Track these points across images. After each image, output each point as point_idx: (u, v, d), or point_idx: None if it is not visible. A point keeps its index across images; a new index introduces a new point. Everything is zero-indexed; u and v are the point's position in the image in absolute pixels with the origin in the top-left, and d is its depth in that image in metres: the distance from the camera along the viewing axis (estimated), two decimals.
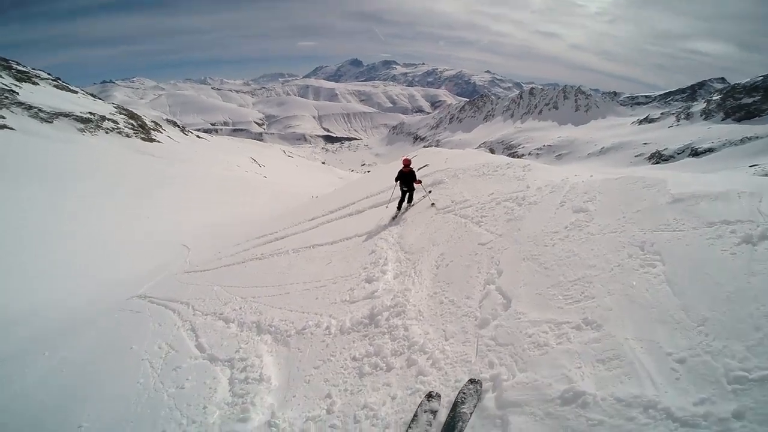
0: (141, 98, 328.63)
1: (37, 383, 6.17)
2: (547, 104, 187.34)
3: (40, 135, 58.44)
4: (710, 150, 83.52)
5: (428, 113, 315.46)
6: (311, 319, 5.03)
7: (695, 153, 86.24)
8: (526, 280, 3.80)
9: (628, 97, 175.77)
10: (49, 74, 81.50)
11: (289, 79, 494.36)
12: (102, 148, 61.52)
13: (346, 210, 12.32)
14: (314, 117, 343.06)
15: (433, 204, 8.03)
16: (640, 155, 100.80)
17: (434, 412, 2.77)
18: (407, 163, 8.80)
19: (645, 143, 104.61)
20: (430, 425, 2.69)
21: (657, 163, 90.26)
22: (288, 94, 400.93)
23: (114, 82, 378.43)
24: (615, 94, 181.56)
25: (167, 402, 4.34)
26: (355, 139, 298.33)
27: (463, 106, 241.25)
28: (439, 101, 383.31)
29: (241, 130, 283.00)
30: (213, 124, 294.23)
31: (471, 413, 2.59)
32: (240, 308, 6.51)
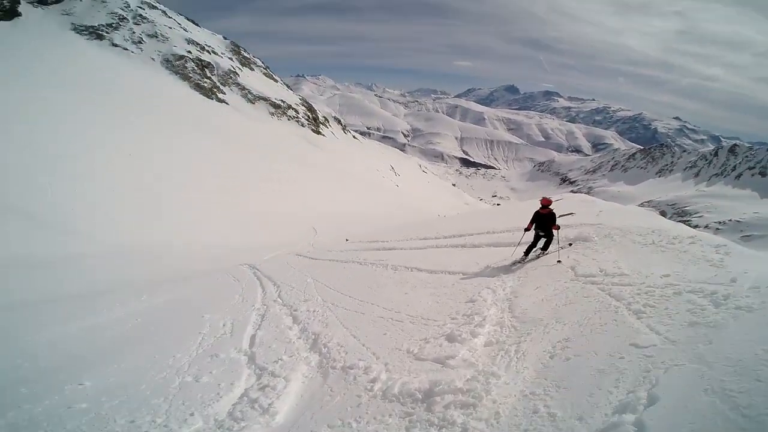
0: (321, 94, 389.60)
1: (104, 326, 6.71)
2: (751, 168, 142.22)
3: (243, 113, 74.61)
4: None
5: (587, 155, 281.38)
6: (365, 358, 4.24)
7: None
8: (701, 427, 2.28)
9: None
10: (262, 62, 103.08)
11: (441, 96, 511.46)
12: (281, 132, 74.72)
13: (460, 239, 11.27)
14: (456, 138, 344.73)
15: (559, 261, 6.56)
16: None
17: None
18: (546, 203, 7.42)
19: None
20: None
21: None
22: (437, 111, 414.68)
23: (305, 77, 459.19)
24: None
25: (171, 391, 4.08)
26: (493, 167, 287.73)
27: (634, 154, 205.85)
28: (604, 144, 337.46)
29: (389, 137, 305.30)
30: (368, 128, 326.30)
31: None
32: (314, 311, 6.19)
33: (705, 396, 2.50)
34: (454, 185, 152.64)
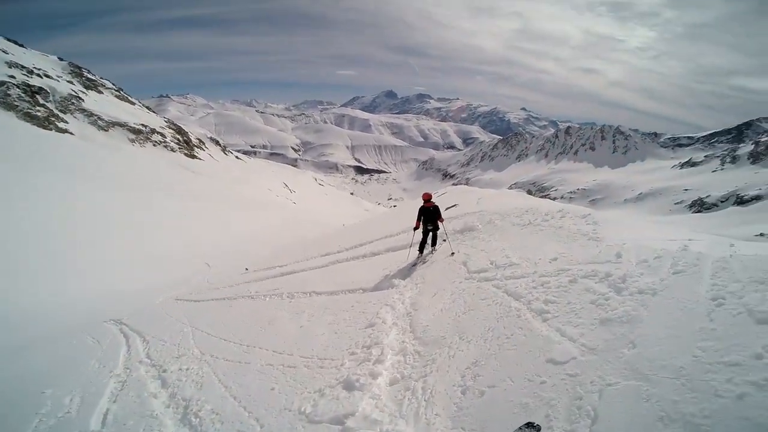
0: (192, 115, 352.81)
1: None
2: (583, 144, 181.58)
3: (95, 142, 62.64)
4: (757, 198, 75.04)
5: (460, 150, 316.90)
6: (245, 428, 3.40)
7: (741, 201, 77.93)
8: None
9: (669, 138, 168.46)
10: (113, 84, 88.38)
11: (327, 107, 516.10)
12: (146, 160, 64.94)
13: (360, 250, 10.97)
14: (347, 147, 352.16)
15: (453, 253, 6.83)
16: (680, 203, 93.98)
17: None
18: (427, 198, 7.79)
19: (686, 189, 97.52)
20: None
21: (698, 211, 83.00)
22: (325, 122, 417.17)
23: (170, 97, 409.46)
24: (656, 135, 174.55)
25: None
26: (385, 172, 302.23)
27: (496, 144, 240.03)
28: (472, 138, 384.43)
29: (278, 154, 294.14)
30: (253, 146, 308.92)
31: None
32: (187, 369, 5.07)
33: (665, 428, 2.03)
34: (352, 194, 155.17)
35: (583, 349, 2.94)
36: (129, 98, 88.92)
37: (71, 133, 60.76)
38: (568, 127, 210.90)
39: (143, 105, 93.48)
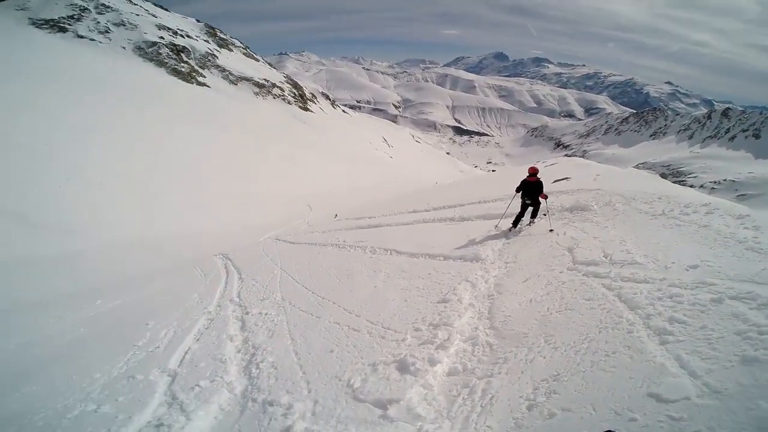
0: (306, 71, 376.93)
1: (45, 339, 6.17)
2: (744, 130, 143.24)
3: (227, 94, 71.87)
4: None
5: (580, 120, 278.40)
6: (294, 390, 3.31)
7: None
8: None
9: None
10: (241, 43, 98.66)
11: (430, 66, 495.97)
12: (267, 110, 72.41)
13: (450, 212, 10.44)
14: (447, 107, 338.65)
15: (552, 230, 6.18)
16: None
17: None
18: (534, 172, 7.14)
19: None
20: None
21: None
22: (426, 81, 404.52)
23: (288, 54, 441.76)
24: None
25: (63, 423, 3.35)
26: (487, 135, 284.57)
27: (627, 118, 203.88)
28: (597, 108, 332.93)
29: (380, 110, 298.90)
30: (358, 101, 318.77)
31: None
32: (266, 314, 5.29)
33: None
34: (448, 153, 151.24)
35: (704, 390, 2.15)
36: (254, 55, 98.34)
37: (208, 86, 70.51)
38: (727, 109, 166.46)
39: (266, 62, 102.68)
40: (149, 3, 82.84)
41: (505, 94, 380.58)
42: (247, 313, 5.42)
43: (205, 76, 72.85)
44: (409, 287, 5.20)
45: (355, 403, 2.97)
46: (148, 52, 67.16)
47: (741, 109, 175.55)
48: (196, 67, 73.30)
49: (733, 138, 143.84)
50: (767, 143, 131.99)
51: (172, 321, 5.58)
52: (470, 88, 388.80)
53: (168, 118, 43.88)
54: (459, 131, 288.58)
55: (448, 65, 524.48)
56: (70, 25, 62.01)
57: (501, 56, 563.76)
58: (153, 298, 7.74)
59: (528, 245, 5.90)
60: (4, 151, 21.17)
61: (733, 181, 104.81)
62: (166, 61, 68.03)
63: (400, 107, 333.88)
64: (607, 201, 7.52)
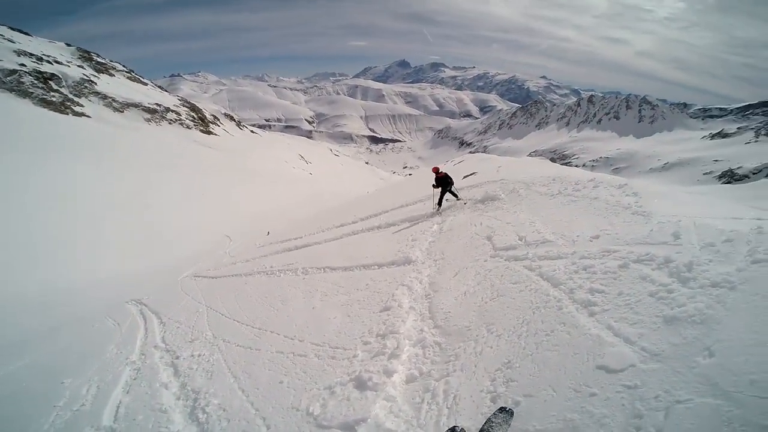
0: (204, 92, 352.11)
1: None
2: (607, 113, 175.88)
3: (112, 123, 63.46)
4: None
5: (477, 118, 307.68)
6: (251, 429, 3.11)
7: None
8: None
9: (699, 109, 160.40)
10: (124, 66, 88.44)
11: (340, 78, 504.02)
12: (163, 138, 65.63)
13: (376, 220, 10.59)
14: (361, 117, 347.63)
15: (462, 200, 7.95)
16: (709, 173, 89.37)
17: None
18: (436, 170, 9.13)
19: (716, 160, 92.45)
20: None
21: (728, 182, 78.60)
22: (338, 93, 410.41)
23: (181, 76, 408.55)
24: (685, 105, 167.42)
25: None
26: (399, 141, 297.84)
27: (515, 112, 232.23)
28: (489, 106, 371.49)
29: (293, 126, 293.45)
30: (267, 120, 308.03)
31: None
32: (199, 355, 4.87)
33: None
34: (367, 163, 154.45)
35: (644, 355, 2.34)
36: (141, 79, 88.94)
37: (88, 116, 61.67)
38: (591, 96, 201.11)
39: (156, 85, 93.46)
40: (4, 27, 69.63)
41: (410, 100, 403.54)
42: (177, 358, 4.96)
43: (83, 105, 63.37)
44: (349, 301, 5.13)
45: (320, 430, 2.82)
46: (5, 81, 56.21)
47: (602, 95, 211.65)
48: (71, 96, 63.45)
49: (599, 121, 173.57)
50: (626, 123, 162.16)
51: (92, 375, 5.02)
52: (380, 96, 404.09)
53: (45, 157, 37.08)
54: (374, 140, 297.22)
55: (357, 76, 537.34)
56: None
57: (404, 64, 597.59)
58: (63, 353, 6.86)
59: (451, 240, 6.21)
60: None
61: (607, 157, 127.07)
62: (30, 90, 57.67)
63: (313, 122, 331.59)
64: (511, 189, 8.33)
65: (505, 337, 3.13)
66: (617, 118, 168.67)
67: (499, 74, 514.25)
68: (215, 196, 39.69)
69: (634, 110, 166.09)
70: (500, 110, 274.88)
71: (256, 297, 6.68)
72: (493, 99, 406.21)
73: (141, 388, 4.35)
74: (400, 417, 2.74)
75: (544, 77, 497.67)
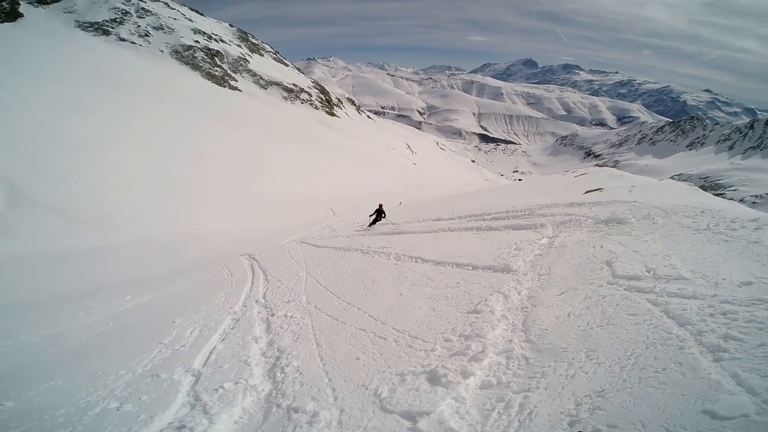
0: (333, 76, 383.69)
1: (71, 332, 6.23)
2: None
3: (257, 98, 74.08)
4: None
5: (612, 128, 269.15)
6: (319, 396, 3.21)
7: None
8: None
9: None
10: (272, 48, 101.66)
11: (456, 72, 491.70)
12: (295, 115, 74.12)
13: (476, 221, 10.27)
14: (474, 113, 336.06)
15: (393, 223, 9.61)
16: None
17: None
18: (379, 207, 14.11)
19: None
20: None
21: None
22: (452, 87, 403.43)
23: (316, 60, 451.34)
24: None
25: (84, 420, 3.32)
26: (513, 143, 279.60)
27: (662, 127, 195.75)
28: (630, 117, 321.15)
29: (404, 116, 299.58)
30: (382, 107, 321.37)
31: None
32: (291, 317, 5.21)
33: None
34: (473, 161, 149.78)
35: (764, 408, 2.04)
36: (284, 60, 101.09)
37: (240, 90, 72.96)
38: None
39: (295, 67, 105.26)
40: (186, 8, 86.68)
41: (533, 102, 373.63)
42: (272, 315, 5.40)
43: (237, 80, 75.41)
44: (436, 296, 5.08)
45: (382, 413, 2.87)
46: (184, 55, 70.20)
47: None
48: (229, 71, 76.00)
49: None
50: None
51: (199, 319, 5.60)
52: (497, 95, 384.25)
53: (202, 120, 45.65)
54: (485, 139, 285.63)
55: (474, 72, 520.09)
56: (113, 28, 65.79)
57: (530, 63, 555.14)
58: (181, 295, 7.83)
59: (562, 257, 5.66)
60: (48, 150, 22.38)
61: None
62: (201, 64, 70.93)
63: (424, 114, 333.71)
64: (645, 214, 7.19)
65: (605, 366, 2.81)
66: None
67: (648, 82, 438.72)
68: (328, 172, 43.44)
69: None
70: (644, 123, 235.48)
71: (351, 272, 7.07)
72: (636, 109, 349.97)
73: (235, 338, 4.78)
74: (465, 419, 2.64)
75: (708, 91, 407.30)
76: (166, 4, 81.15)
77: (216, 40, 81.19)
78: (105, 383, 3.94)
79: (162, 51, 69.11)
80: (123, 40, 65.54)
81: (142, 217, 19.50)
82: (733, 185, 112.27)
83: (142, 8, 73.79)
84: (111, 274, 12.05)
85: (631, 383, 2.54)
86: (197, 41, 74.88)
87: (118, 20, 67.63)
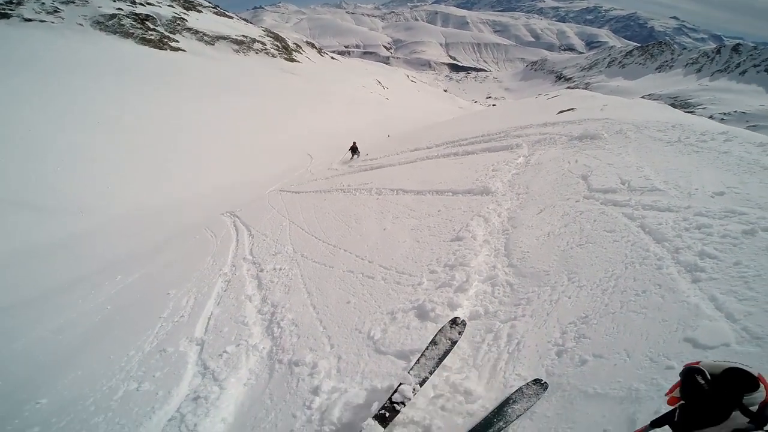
0: (286, 22, 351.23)
1: (73, 323, 6.21)
2: (756, 65, 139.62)
3: (205, 55, 67.67)
4: None
5: (581, 53, 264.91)
6: (317, 347, 3.24)
7: None
8: None
9: None
10: (209, 2, 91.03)
11: (419, 4, 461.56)
12: (251, 67, 68.72)
13: (452, 148, 10.17)
14: (441, 44, 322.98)
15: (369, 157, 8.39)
16: None
17: (454, 342, 2.54)
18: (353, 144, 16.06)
19: None
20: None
21: None
22: (416, 20, 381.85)
23: (263, 8, 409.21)
24: None
25: (111, 405, 3.38)
26: (484, 70, 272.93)
27: (631, 51, 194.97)
28: (598, 42, 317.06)
29: (371, 53, 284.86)
30: (346, 47, 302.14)
31: (519, 415, 2.05)
32: (280, 269, 5.16)
33: None
34: (445, 91, 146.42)
35: (744, 336, 1.99)
36: (226, 13, 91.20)
37: (184, 50, 66.11)
38: (738, 44, 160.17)
39: (241, 18, 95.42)
40: None
41: (500, 29, 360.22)
42: (261, 271, 5.34)
43: (178, 41, 68.03)
44: (419, 226, 5.07)
45: (377, 356, 2.89)
46: (108, 25, 61.89)
47: (753, 44, 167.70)
48: (166, 33, 68.25)
49: (743, 72, 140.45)
50: None
51: (191, 287, 5.54)
52: (463, 24, 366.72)
53: (151, 85, 41.78)
54: (455, 68, 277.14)
55: (437, 2, 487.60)
56: (11, 10, 56.50)
57: None
58: (170, 265, 7.72)
59: (539, 174, 5.67)
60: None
61: (744, 112, 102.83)
62: (131, 31, 63.08)
63: (391, 48, 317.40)
64: (617, 129, 7.24)
65: (587, 289, 2.81)
66: None
67: (615, 9, 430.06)
68: (299, 119, 41.72)
69: None
70: (612, 47, 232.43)
71: (333, 214, 6.97)
72: (603, 34, 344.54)
73: (229, 300, 4.72)
74: (457, 354, 2.62)
75: (675, 18, 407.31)
76: None
77: (141, 4, 71.53)
78: (120, 366, 3.96)
79: (81, 24, 60.24)
80: (29, 20, 56.32)
81: (112, 194, 18.51)
82: (702, 104, 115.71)
83: None
84: (98, 256, 11.63)
85: (613, 308, 2.53)
86: (119, 9, 65.66)
87: (14, 1, 57.66)
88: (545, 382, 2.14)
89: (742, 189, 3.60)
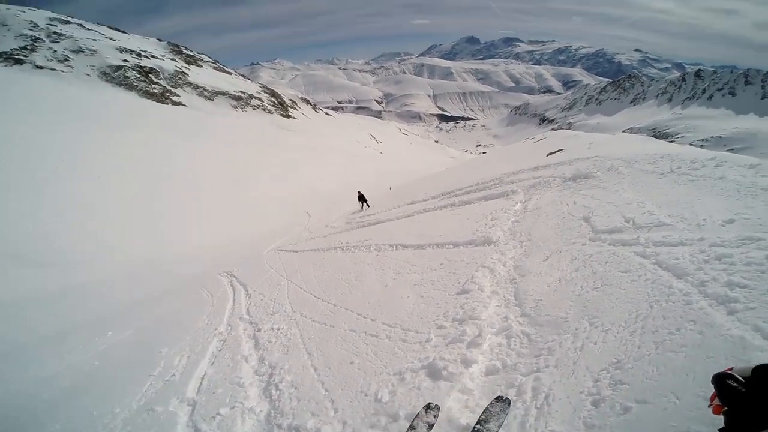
0: (281, 78, 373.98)
1: (59, 376, 5.99)
2: (720, 89, 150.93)
3: (204, 110, 70.73)
4: None
5: (560, 94, 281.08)
6: (319, 411, 3.02)
7: None
8: None
9: None
10: (210, 57, 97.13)
11: (405, 57, 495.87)
12: (250, 123, 71.54)
13: (449, 199, 10.25)
14: (429, 96, 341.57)
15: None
16: None
17: (431, 426, 2.36)
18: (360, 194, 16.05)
19: None
20: None
21: None
22: (404, 73, 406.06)
23: (260, 64, 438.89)
24: None
25: None
26: (471, 118, 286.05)
27: (605, 87, 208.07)
28: (574, 81, 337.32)
29: (363, 107, 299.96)
30: (339, 102, 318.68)
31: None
32: (278, 329, 4.97)
33: None
34: (437, 142, 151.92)
35: None
36: (225, 69, 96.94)
37: (184, 105, 69.28)
38: (699, 70, 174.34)
39: (239, 74, 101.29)
40: (104, 27, 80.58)
41: (482, 77, 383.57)
42: (258, 330, 5.14)
43: (179, 95, 71.42)
44: (422, 281, 4.91)
45: (387, 418, 2.68)
46: (114, 76, 65.38)
47: (712, 69, 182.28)
48: (169, 87, 71.81)
49: (710, 97, 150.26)
50: (745, 100, 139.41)
51: (185, 346, 5.33)
52: (448, 74, 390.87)
53: (152, 138, 43.25)
54: (444, 118, 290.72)
55: (422, 55, 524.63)
56: (25, 56, 60.16)
57: (472, 40, 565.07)
58: (162, 322, 7.53)
59: (539, 220, 5.63)
60: None
61: (720, 137, 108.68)
62: (135, 84, 66.47)
63: (382, 102, 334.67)
64: (608, 166, 7.36)
65: (613, 333, 2.63)
66: (733, 94, 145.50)
67: (584, 47, 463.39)
68: (295, 176, 42.50)
69: (755, 86, 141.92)
70: (587, 85, 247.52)
71: (333, 272, 6.83)
72: (577, 73, 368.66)
73: (224, 360, 4.54)
74: (476, 413, 2.39)
75: (638, 50, 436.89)
76: (81, 25, 74.80)
77: (146, 56, 76.16)
78: (103, 423, 3.80)
79: (89, 75, 63.87)
80: (40, 67, 59.89)
81: (111, 246, 18.42)
82: (679, 132, 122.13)
83: (54, 32, 67.60)
84: (90, 310, 11.35)
85: (647, 350, 2.36)
86: (126, 60, 69.87)
87: (29, 47, 61.63)
88: (507, 398, 2.22)
89: (751, 214, 3.53)
